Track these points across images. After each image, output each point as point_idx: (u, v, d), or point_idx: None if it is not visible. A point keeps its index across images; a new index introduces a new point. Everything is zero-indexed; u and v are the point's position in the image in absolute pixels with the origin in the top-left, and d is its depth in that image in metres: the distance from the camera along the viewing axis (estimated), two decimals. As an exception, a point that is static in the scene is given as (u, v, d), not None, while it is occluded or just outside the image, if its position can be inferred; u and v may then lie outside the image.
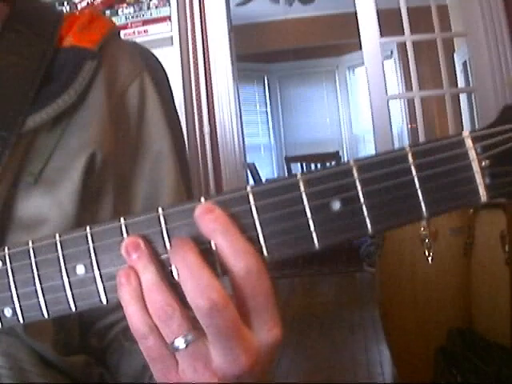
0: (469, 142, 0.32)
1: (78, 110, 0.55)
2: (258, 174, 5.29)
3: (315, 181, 0.33)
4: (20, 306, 0.37)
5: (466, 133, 0.32)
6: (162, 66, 0.85)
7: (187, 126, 2.68)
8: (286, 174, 4.86)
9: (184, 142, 0.90)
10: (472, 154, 0.32)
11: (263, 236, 0.33)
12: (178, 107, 0.87)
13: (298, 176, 0.33)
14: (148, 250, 0.33)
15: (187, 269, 0.32)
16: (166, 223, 0.34)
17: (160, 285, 0.33)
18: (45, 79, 0.53)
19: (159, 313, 0.33)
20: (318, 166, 5.11)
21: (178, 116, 0.87)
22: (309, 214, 0.33)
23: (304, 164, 5.45)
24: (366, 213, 0.33)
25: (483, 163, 0.32)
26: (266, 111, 6.53)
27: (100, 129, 0.56)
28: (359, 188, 0.33)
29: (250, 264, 0.32)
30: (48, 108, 0.52)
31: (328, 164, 5.07)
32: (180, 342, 0.33)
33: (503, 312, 1.72)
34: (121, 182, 0.59)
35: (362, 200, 0.33)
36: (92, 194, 0.56)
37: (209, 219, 0.32)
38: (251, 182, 4.75)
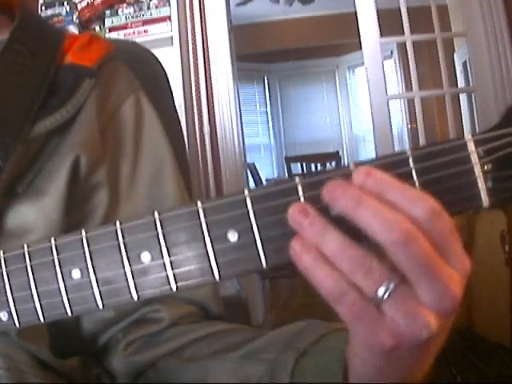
0: (471, 146, 0.31)
1: (71, 125, 0.56)
2: (258, 174, 5.28)
3: (314, 184, 0.33)
4: (16, 310, 0.36)
5: (468, 136, 0.31)
6: (161, 66, 0.86)
7: (187, 126, 2.68)
8: (286, 174, 4.85)
9: (184, 143, 0.90)
10: (474, 158, 0.31)
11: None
12: (178, 107, 0.87)
13: (297, 180, 0.33)
14: (316, 212, 0.32)
15: (368, 209, 0.31)
16: (162, 227, 0.33)
17: (347, 240, 0.32)
18: (47, 92, 0.54)
19: (358, 267, 0.31)
20: (318, 166, 5.11)
21: (178, 116, 0.87)
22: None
23: (304, 164, 5.45)
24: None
25: (485, 167, 0.31)
26: (266, 111, 6.52)
27: (85, 135, 0.57)
28: None
29: (430, 205, 0.31)
30: (45, 121, 0.53)
31: (328, 164, 5.08)
32: (383, 290, 0.31)
33: (503, 312, 1.72)
34: (119, 195, 0.60)
35: None
36: (78, 201, 0.57)
37: (373, 180, 0.32)
38: (251, 182, 4.75)
